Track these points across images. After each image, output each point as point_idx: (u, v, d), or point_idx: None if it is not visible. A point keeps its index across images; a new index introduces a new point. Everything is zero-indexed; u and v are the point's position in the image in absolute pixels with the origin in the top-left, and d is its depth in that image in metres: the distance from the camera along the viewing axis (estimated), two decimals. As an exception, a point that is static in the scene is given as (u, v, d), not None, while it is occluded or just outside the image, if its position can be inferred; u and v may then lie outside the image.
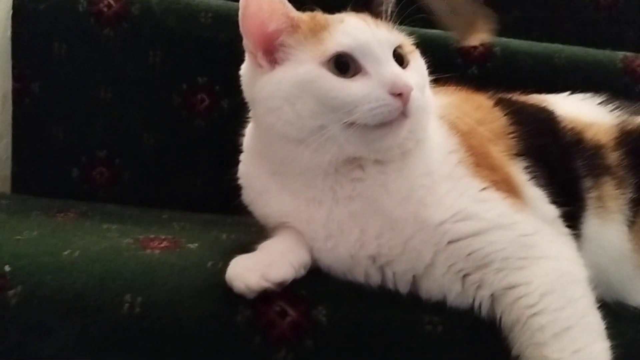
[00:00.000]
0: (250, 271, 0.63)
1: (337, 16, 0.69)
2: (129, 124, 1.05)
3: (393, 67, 0.65)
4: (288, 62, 0.66)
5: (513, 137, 0.76)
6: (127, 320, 0.61)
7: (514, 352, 0.63)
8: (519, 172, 0.73)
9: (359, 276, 0.68)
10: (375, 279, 0.68)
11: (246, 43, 0.68)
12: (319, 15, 0.69)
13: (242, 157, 0.77)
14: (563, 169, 0.75)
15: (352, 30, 0.65)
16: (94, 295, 0.62)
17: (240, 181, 0.76)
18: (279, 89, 0.65)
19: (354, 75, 0.64)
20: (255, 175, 0.73)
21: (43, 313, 0.61)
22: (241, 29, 0.67)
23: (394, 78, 0.63)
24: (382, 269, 0.67)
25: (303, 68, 0.64)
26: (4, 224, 0.80)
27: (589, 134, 0.80)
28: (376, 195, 0.67)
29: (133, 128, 1.05)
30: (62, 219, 0.88)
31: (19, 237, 0.73)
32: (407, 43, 0.71)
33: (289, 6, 0.67)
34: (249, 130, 0.76)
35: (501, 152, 0.74)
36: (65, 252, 0.68)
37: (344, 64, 0.64)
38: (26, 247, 0.69)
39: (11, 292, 0.61)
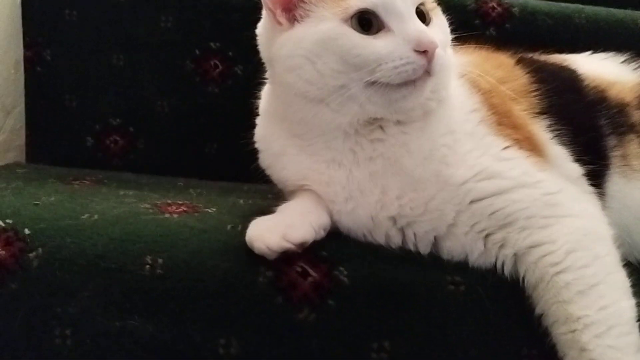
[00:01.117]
0: (270, 232, 0.63)
1: None
2: (142, 91, 1.04)
3: (417, 24, 0.63)
4: (308, 20, 0.64)
5: (535, 96, 0.74)
6: (149, 281, 0.61)
7: (537, 311, 0.62)
8: (541, 130, 0.72)
9: (379, 238, 0.67)
10: (396, 241, 0.67)
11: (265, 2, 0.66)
12: None
13: (258, 120, 0.76)
14: (586, 127, 0.74)
15: None
16: (115, 257, 0.62)
17: (257, 145, 0.75)
18: (299, 47, 0.64)
19: (377, 32, 0.62)
20: (273, 138, 0.72)
21: (65, 274, 0.61)
22: None
23: (419, 35, 0.62)
24: (403, 230, 0.67)
25: (325, 25, 0.63)
26: (21, 191, 0.79)
27: (613, 92, 0.78)
28: (397, 155, 0.66)
29: (146, 95, 1.03)
30: (78, 186, 0.88)
31: (37, 202, 0.73)
32: (429, 0, 0.69)
33: None
34: (265, 92, 0.75)
35: (523, 110, 0.73)
36: (84, 216, 0.68)
37: (367, 21, 0.63)
38: (44, 212, 0.69)
39: (32, 255, 0.62)
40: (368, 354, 0.62)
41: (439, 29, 0.66)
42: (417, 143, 0.66)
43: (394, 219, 0.66)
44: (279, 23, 0.65)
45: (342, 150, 0.67)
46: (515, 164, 0.66)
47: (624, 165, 0.73)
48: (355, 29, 0.62)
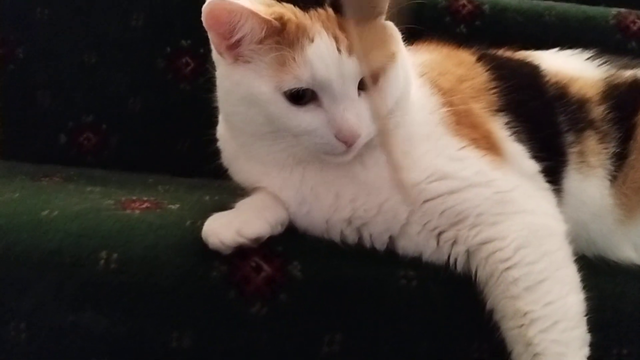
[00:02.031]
0: (225, 227, 0.64)
1: (310, 28, 0.61)
2: (115, 88, 1.04)
3: (346, 112, 0.61)
4: (248, 67, 0.62)
5: (494, 93, 0.74)
6: (103, 275, 0.62)
7: (488, 306, 0.63)
8: (499, 128, 0.72)
9: (335, 237, 0.68)
10: (352, 239, 0.68)
11: (209, 35, 0.63)
12: (291, 19, 0.61)
13: (219, 118, 0.76)
14: (545, 124, 0.74)
15: (317, 61, 0.60)
16: (70, 251, 0.63)
17: (218, 143, 0.76)
18: (236, 90, 0.64)
19: (308, 102, 0.62)
20: (227, 141, 0.73)
21: (19, 269, 0.62)
22: (205, 26, 0.62)
23: (343, 124, 0.61)
24: (358, 230, 0.67)
25: (260, 87, 0.62)
26: (-13, 187, 0.80)
27: (574, 88, 0.79)
28: (350, 167, 0.66)
29: (119, 93, 1.04)
30: (46, 182, 0.89)
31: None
32: (385, 53, 0.64)
33: (256, 8, 0.61)
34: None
35: (482, 108, 0.73)
36: (44, 212, 0.69)
37: (300, 94, 0.61)
38: (4, 208, 0.70)
39: (-12, 250, 0.62)
40: (320, 347, 0.63)
41: (384, 90, 0.63)
42: (371, 156, 0.66)
43: (348, 221, 0.67)
44: (222, 56, 0.64)
45: (291, 163, 0.67)
46: (469, 164, 0.67)
47: (581, 162, 0.74)
48: (287, 99, 0.61)
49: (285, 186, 0.67)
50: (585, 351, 0.60)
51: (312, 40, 0.60)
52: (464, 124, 0.70)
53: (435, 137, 0.68)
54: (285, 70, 0.60)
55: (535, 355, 0.59)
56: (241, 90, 0.63)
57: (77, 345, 0.62)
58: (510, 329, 0.61)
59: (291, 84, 0.60)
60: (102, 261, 0.62)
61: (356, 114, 0.61)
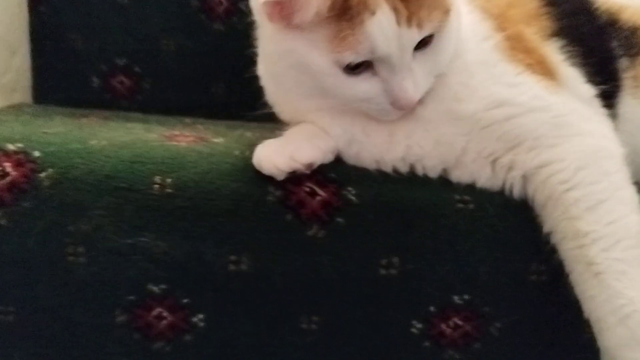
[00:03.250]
0: (278, 153, 0.63)
1: (371, 1, 0.58)
2: (148, 30, 1.02)
3: (404, 81, 0.60)
4: (303, 35, 0.60)
5: (547, 18, 0.73)
6: (159, 199, 0.62)
7: (546, 228, 0.63)
8: (554, 52, 0.71)
9: (387, 170, 0.67)
10: (404, 171, 0.67)
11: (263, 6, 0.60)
12: None
13: (259, 56, 0.73)
14: (599, 49, 0.73)
15: (377, 35, 0.58)
16: (124, 177, 0.62)
17: (261, 82, 0.73)
18: (288, 56, 0.62)
19: (363, 70, 0.60)
20: (270, 80, 0.71)
21: (76, 193, 0.61)
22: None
23: (400, 94, 0.60)
24: (411, 165, 0.66)
25: (315, 59, 0.60)
26: (30, 122, 0.80)
27: (625, 16, 0.77)
28: None
29: (152, 34, 1.02)
30: (86, 121, 0.88)
31: (45, 131, 0.73)
32: (441, 10, 0.61)
33: None
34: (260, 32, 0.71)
35: (535, 33, 0.72)
36: (92, 142, 0.68)
37: (357, 65, 0.60)
38: (53, 138, 0.68)
39: (43, 175, 0.62)
40: (377, 269, 0.63)
41: (436, 53, 0.62)
42: (428, 92, 0.64)
43: (402, 158, 0.66)
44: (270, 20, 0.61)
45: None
46: (525, 89, 0.66)
47: (636, 87, 0.73)
48: (343, 70, 0.60)
49: (334, 124, 0.66)
50: (647, 270, 0.60)
51: (373, 14, 0.58)
52: (518, 49, 0.68)
53: (491, 64, 0.66)
54: (343, 45, 0.58)
55: (597, 274, 0.59)
56: (294, 57, 0.62)
57: (135, 269, 0.62)
58: (570, 250, 0.61)
59: (350, 58, 0.59)
60: (157, 186, 0.62)
61: (413, 82, 0.60)
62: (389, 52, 0.59)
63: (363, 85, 0.61)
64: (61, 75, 1.04)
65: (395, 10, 0.58)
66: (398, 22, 0.58)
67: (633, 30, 0.76)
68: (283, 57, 0.63)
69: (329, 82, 0.61)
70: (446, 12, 0.62)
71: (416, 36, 0.59)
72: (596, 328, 0.59)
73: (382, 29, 0.58)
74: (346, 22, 0.58)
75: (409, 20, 0.59)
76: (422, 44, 0.61)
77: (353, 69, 0.60)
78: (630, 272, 0.58)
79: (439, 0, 0.61)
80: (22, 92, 1.04)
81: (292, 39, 0.61)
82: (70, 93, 1.04)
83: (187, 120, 0.98)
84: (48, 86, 1.05)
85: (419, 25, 0.59)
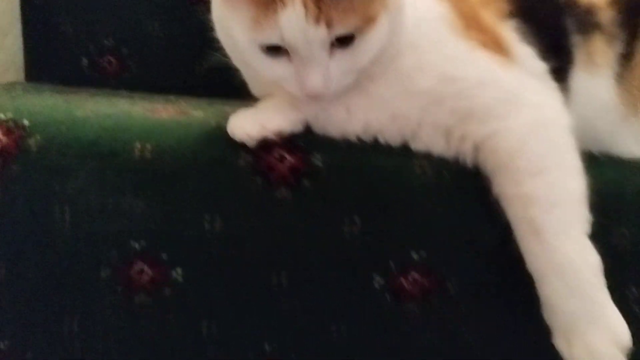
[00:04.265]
0: (250, 122, 0.69)
1: None
2: (134, 12, 1.08)
3: (311, 74, 0.63)
4: (232, 11, 0.64)
5: (503, 0, 0.77)
6: (139, 163, 0.67)
7: (495, 193, 0.67)
8: (508, 31, 0.75)
9: (351, 139, 0.71)
10: (367, 140, 0.71)
11: None
12: None
13: None
14: (553, 27, 0.77)
15: (285, 26, 0.61)
16: (107, 143, 0.68)
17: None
18: (222, 25, 0.68)
19: (281, 54, 0.64)
20: (227, 47, 0.74)
21: (62, 158, 0.66)
22: None
23: (305, 85, 0.63)
24: (373, 136, 0.71)
25: (238, 34, 0.64)
26: (20, 96, 0.85)
27: None
28: (359, 81, 0.67)
29: (139, 16, 1.07)
30: (74, 95, 0.93)
31: (35, 102, 0.78)
32: (361, 17, 0.63)
33: None
34: None
35: (491, 14, 0.76)
36: (78, 112, 0.73)
37: (275, 47, 0.63)
38: (41, 109, 0.74)
39: (31, 141, 0.67)
40: (340, 228, 0.68)
41: (356, 55, 0.64)
42: (379, 69, 0.68)
43: (362, 132, 0.70)
44: None
45: None
46: (478, 65, 0.70)
47: (588, 62, 0.77)
48: (262, 51, 0.64)
49: (295, 101, 0.69)
50: (585, 228, 0.65)
51: (285, 6, 0.61)
52: (473, 28, 0.73)
53: (445, 41, 0.71)
54: (260, 28, 0.62)
55: (538, 233, 0.64)
56: (224, 28, 0.67)
57: (116, 227, 0.67)
58: (515, 211, 0.66)
59: (264, 41, 0.63)
60: (138, 151, 0.67)
61: (322, 75, 0.63)
62: (296, 44, 0.62)
63: (278, 67, 0.64)
64: (52, 56, 1.09)
65: (306, 7, 0.61)
66: (306, 19, 0.61)
67: (587, 8, 0.80)
68: (220, 25, 0.69)
69: (251, 59, 0.66)
70: (369, 19, 0.63)
71: (324, 35, 0.61)
72: (537, 281, 0.64)
73: (291, 22, 0.61)
74: (264, 7, 0.62)
75: (317, 19, 0.61)
76: (345, 42, 0.63)
77: (270, 51, 0.64)
78: (568, 231, 0.64)
79: (359, 6, 0.63)
80: (15, 71, 1.09)
81: (225, 12, 0.66)
82: (60, 72, 1.10)
83: (172, 97, 1.03)
84: (39, 66, 1.10)
85: (328, 25, 0.61)
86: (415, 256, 0.70)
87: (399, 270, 0.70)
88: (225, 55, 0.73)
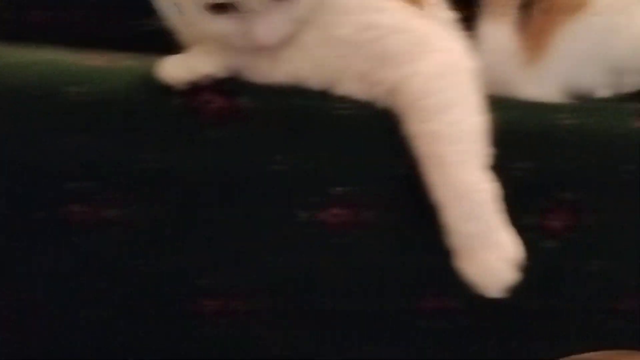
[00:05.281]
0: (179, 66, 0.73)
1: None
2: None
3: (258, 24, 0.67)
4: None
5: None
6: (74, 106, 0.70)
7: (407, 132, 0.74)
8: None
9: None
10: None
11: None
12: None
13: None
14: None
15: None
16: (40, 86, 0.71)
17: None
18: None
19: (226, 11, 0.67)
20: None
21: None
22: None
23: (255, 36, 0.68)
24: (297, 82, 0.76)
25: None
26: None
27: None
28: None
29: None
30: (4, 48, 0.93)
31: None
32: None
33: None
34: None
35: None
36: (10, 60, 0.75)
37: (219, 4, 0.67)
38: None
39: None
40: (267, 166, 0.74)
41: (294, 4, 0.68)
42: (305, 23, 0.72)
43: (287, 79, 0.75)
44: None
45: None
46: (391, 13, 0.76)
47: (493, 12, 0.84)
48: (209, 11, 0.67)
49: (225, 53, 0.73)
50: (484, 161, 0.72)
51: None
52: None
53: None
54: None
55: (441, 164, 0.71)
56: None
57: (54, 168, 0.71)
58: (423, 147, 0.72)
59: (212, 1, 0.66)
60: (73, 94, 0.70)
61: (267, 26, 0.68)
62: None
63: (224, 24, 0.68)
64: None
65: None
66: None
67: None
68: None
69: (193, 17, 0.69)
70: None
71: None
72: (441, 209, 0.71)
73: None
74: None
75: None
76: None
77: (214, 8, 0.67)
78: (468, 162, 0.71)
79: None
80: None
81: None
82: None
83: (106, 52, 1.04)
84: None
85: None
86: (336, 191, 0.76)
87: (322, 205, 0.77)
88: (161, 17, 0.77)
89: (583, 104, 0.89)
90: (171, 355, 0.82)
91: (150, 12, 0.79)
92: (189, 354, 0.82)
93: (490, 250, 0.69)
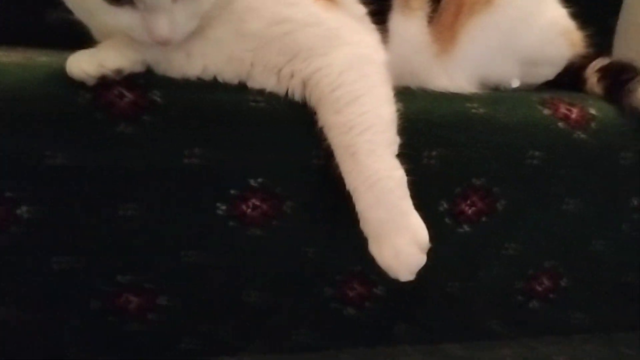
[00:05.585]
0: (88, 60, 0.71)
1: None
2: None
3: (157, 21, 0.66)
4: None
5: None
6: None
7: (320, 123, 0.75)
8: None
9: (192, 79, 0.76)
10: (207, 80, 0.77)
11: None
12: None
13: None
14: None
15: None
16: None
17: None
18: None
19: (125, 3, 0.66)
20: None
21: None
22: None
23: (154, 32, 0.67)
24: (211, 77, 0.76)
25: None
26: None
27: None
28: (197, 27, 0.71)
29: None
30: None
31: None
32: None
33: None
34: None
35: None
36: None
37: None
38: None
39: None
40: (181, 159, 0.74)
41: (196, 2, 0.68)
42: (216, 15, 0.72)
43: (202, 74, 0.76)
44: None
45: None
46: (302, 7, 0.77)
47: (404, 7, 0.88)
48: (105, 1, 0.67)
49: (137, 48, 0.72)
50: (393, 149, 0.74)
51: None
52: None
53: None
54: None
55: (353, 154, 0.72)
56: None
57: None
58: (334, 137, 0.74)
59: None
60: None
61: (168, 22, 0.67)
62: None
63: (123, 16, 0.68)
64: None
65: None
66: None
67: None
68: None
69: (95, 11, 0.69)
70: None
71: None
72: (353, 197, 0.73)
73: None
74: None
75: None
76: None
77: (114, 1, 0.67)
78: (378, 151, 0.73)
79: None
80: None
81: None
82: None
83: (19, 48, 1.01)
84: None
85: None
86: (253, 183, 0.77)
87: (240, 198, 0.77)
88: (67, 10, 0.74)
89: (493, 94, 0.93)
90: (96, 353, 0.81)
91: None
92: (114, 352, 0.81)
93: (399, 235, 0.71)
